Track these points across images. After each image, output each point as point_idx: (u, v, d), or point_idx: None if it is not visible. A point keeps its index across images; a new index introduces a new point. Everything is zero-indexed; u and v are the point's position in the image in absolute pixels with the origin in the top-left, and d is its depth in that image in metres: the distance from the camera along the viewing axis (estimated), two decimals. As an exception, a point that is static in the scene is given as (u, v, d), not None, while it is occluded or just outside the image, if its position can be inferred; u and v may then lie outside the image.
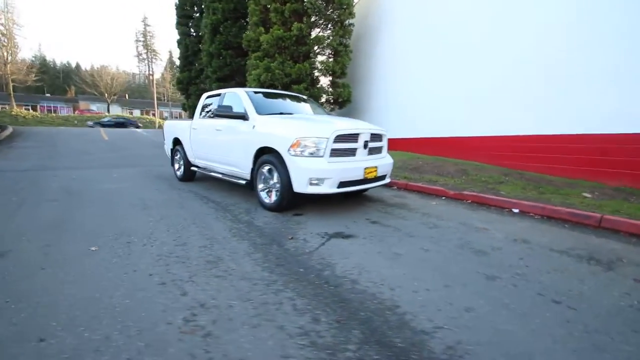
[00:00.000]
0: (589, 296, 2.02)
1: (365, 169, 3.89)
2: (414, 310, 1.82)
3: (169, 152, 6.75)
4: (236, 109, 4.51)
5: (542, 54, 5.95)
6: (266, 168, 4.06)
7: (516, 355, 1.48)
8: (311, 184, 3.63)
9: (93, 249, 2.65)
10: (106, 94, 44.26)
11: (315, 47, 10.30)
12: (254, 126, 4.18)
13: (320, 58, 10.92)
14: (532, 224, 3.57)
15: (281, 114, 4.55)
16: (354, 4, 10.47)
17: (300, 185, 3.66)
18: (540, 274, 2.31)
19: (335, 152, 3.74)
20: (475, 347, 1.52)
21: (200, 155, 5.53)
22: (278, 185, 3.89)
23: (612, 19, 4.99)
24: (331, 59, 10.48)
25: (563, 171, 5.45)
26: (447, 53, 8.17)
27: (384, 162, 4.27)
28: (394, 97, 10.18)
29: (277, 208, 3.96)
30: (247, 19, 12.20)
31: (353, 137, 3.88)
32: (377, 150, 4.31)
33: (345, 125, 3.96)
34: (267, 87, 10.55)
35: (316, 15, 10.10)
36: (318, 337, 1.57)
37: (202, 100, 5.65)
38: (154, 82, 37.55)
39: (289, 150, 3.68)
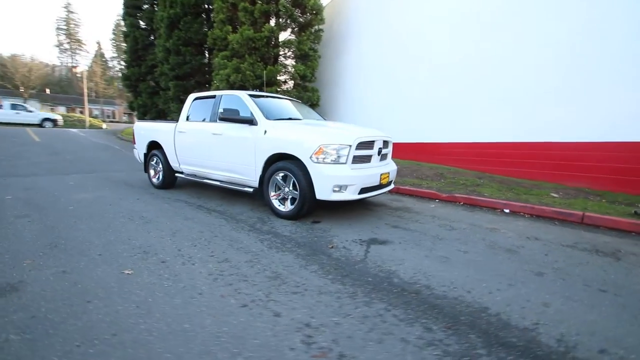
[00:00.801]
0: (621, 283, 2.38)
1: (381, 174, 4.02)
2: (503, 310, 1.96)
3: (141, 157, 6.14)
4: (242, 113, 4.30)
5: (503, 70, 6.72)
6: (280, 175, 3.95)
7: (616, 339, 1.70)
8: (334, 191, 3.64)
9: (128, 272, 2.33)
10: (22, 88, 38.06)
11: (286, 51, 10.20)
12: (265, 131, 4.03)
13: (289, 62, 10.86)
14: (529, 222, 4.02)
15: (290, 119, 4.46)
16: (323, 10, 10.61)
17: (323, 193, 3.64)
18: (572, 267, 2.65)
19: (355, 159, 3.79)
20: (577, 337, 1.71)
21: (188, 161, 5.14)
22: (296, 192, 3.82)
23: (572, 43, 5.84)
24: (300, 63, 10.46)
25: (528, 174, 6.21)
26: (408, 63, 8.76)
27: (392, 167, 4.44)
28: (360, 102, 10.57)
29: (294, 216, 3.87)
30: (210, 15, 11.63)
31: (370, 144, 3.97)
32: (385, 157, 4.47)
33: (362, 131, 4.03)
34: (238, 89, 10.20)
35: (287, 18, 10.02)
36: (445, 346, 1.61)
37: (189, 102, 5.26)
38: (84, 76, 33.27)
39: (311, 157, 3.63)
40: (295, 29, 10.42)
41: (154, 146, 5.87)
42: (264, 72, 9.91)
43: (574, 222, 3.98)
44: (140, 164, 6.21)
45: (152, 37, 13.90)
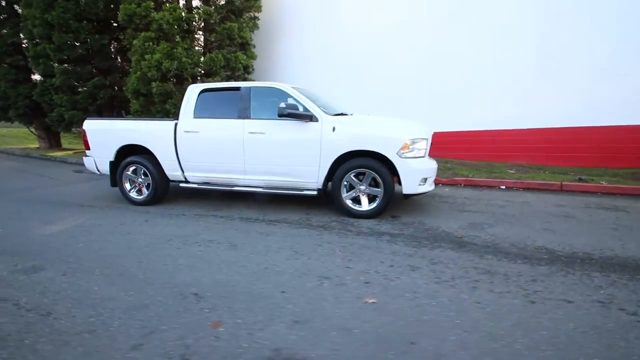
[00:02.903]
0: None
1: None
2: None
3: (103, 167, 4.65)
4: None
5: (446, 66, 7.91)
6: (353, 173, 3.75)
7: None
8: (420, 184, 3.72)
9: (371, 301, 1.92)
10: None
11: (226, 40, 9.13)
12: (333, 128, 3.73)
13: (226, 50, 9.77)
14: (533, 194, 5.02)
15: (342, 114, 4.20)
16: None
17: (411, 187, 3.67)
18: (632, 229, 3.51)
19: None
20: None
21: (201, 167, 4.26)
22: (377, 189, 3.71)
23: (527, 43, 7.30)
24: (242, 52, 9.57)
25: (478, 157, 7.59)
26: (355, 55, 9.24)
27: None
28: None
29: (376, 214, 3.77)
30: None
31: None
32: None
33: (421, 125, 4.16)
34: (172, 78, 8.62)
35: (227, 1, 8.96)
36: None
37: (194, 96, 4.30)
38: None
39: (397, 152, 3.60)
40: (234, 15, 9.44)
41: (130, 151, 4.53)
42: (204, 60, 8.75)
43: (555, 190, 5.21)
44: (69, 176, 4.69)
45: (14, 4, 10.02)
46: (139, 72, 8.48)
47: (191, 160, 4.28)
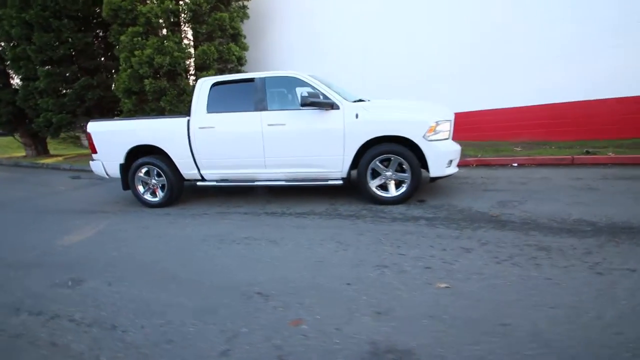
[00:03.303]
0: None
1: (459, 148, 4.28)
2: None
3: (113, 171, 4.46)
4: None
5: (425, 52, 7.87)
6: (378, 159, 3.69)
7: None
8: (446, 166, 3.70)
9: (443, 285, 1.89)
10: None
11: (218, 31, 8.80)
12: (357, 115, 3.65)
13: (217, 42, 9.45)
14: (548, 170, 5.07)
15: (360, 100, 4.11)
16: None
17: (438, 169, 3.64)
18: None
19: (448, 134, 3.92)
20: None
21: (219, 163, 4.14)
22: (403, 174, 3.67)
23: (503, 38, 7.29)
24: (233, 44, 9.27)
25: (485, 137, 7.65)
26: (342, 44, 9.12)
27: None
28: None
29: (404, 199, 3.74)
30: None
31: (450, 119, 4.15)
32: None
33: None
34: (166, 73, 8.29)
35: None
36: None
37: (206, 90, 4.13)
38: None
39: (424, 135, 3.55)
40: (220, 4, 9.10)
41: (141, 152, 4.35)
42: (196, 52, 8.46)
43: (567, 164, 5.29)
44: (67, 183, 4.50)
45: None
46: (129, 70, 8.13)
47: (207, 157, 4.13)
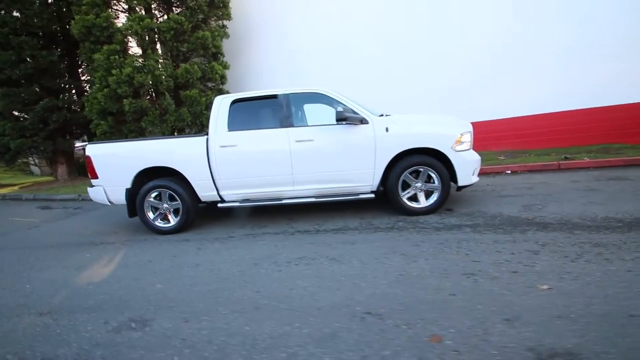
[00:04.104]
0: (671, 190, 3.93)
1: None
2: None
3: (117, 197, 4.07)
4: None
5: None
6: (408, 170, 3.77)
7: None
8: (472, 175, 3.87)
9: (544, 287, 1.92)
10: None
11: (200, 49, 8.57)
12: (387, 129, 3.72)
13: (197, 60, 9.19)
14: (541, 175, 5.51)
15: (383, 115, 4.19)
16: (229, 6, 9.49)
17: (465, 178, 3.80)
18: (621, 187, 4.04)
19: (467, 145, 4.12)
20: None
21: (242, 182, 3.96)
22: (433, 185, 3.77)
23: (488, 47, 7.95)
24: (216, 62, 9.08)
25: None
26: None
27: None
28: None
29: (434, 209, 3.83)
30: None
31: (465, 131, 4.37)
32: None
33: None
34: (147, 92, 7.84)
35: (194, 9, 8.42)
36: None
37: (225, 108, 3.96)
38: None
39: (452, 147, 3.70)
40: (203, 23, 8.93)
41: (152, 175, 4.02)
42: (178, 72, 8.14)
43: (554, 170, 5.79)
44: (39, 214, 4.02)
45: None
46: (105, 90, 7.56)
47: (229, 176, 3.92)
